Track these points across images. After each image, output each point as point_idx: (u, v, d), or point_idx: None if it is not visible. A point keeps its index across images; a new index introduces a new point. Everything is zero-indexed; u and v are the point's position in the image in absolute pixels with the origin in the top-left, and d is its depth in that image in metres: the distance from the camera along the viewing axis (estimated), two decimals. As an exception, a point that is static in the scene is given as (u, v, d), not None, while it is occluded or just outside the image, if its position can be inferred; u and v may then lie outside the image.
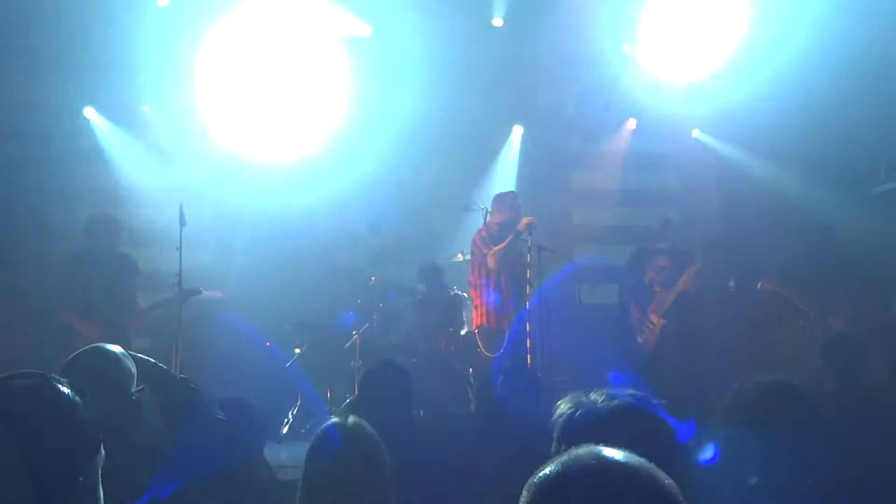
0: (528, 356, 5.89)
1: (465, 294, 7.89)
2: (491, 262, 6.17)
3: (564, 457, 1.24)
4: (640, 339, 6.97)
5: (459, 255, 7.79)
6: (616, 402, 1.78)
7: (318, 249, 8.45)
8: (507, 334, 6.06)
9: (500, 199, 6.43)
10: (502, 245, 6.09)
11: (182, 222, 6.23)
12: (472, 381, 7.06)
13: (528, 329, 5.87)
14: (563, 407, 1.84)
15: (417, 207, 9.36)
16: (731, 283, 8.53)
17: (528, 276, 6.09)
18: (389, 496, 2.12)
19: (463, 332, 7.36)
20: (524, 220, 6.06)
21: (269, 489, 2.91)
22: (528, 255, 6.01)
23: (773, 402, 2.12)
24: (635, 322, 7.04)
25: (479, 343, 6.24)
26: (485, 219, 7.65)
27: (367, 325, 7.54)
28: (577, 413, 1.77)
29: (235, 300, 8.23)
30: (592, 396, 1.79)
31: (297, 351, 7.53)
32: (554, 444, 1.78)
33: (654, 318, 6.90)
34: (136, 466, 2.19)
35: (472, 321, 7.00)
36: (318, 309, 7.57)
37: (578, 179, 9.73)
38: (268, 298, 8.12)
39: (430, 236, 9.45)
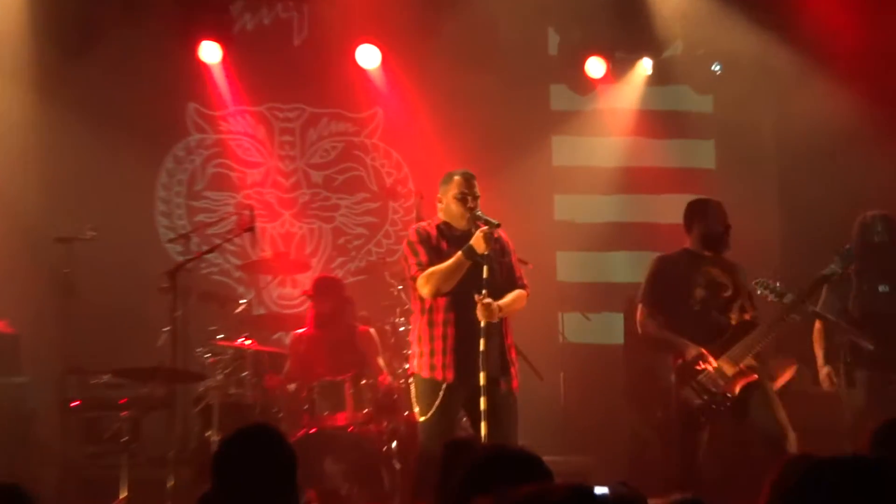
0: (483, 424, 5.84)
1: (387, 326, 8.01)
2: (425, 288, 5.94)
3: None
4: (690, 402, 6.40)
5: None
6: None
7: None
8: (449, 388, 5.96)
9: (448, 183, 6.24)
10: (445, 266, 5.92)
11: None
12: (394, 461, 7.07)
13: (482, 381, 5.82)
14: None
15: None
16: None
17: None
18: None
19: (374, 382, 7.34)
20: (479, 234, 5.89)
21: None
22: (486, 270, 5.93)
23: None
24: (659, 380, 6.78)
25: (413, 399, 6.20)
26: (418, 211, 7.86)
27: (222, 374, 7.53)
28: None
29: (29, 335, 8.46)
30: None
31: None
32: None
33: (727, 366, 6.40)
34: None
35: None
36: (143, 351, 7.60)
37: (563, 152, 9.98)
38: (65, 335, 8.20)
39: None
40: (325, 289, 8.05)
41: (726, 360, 6.39)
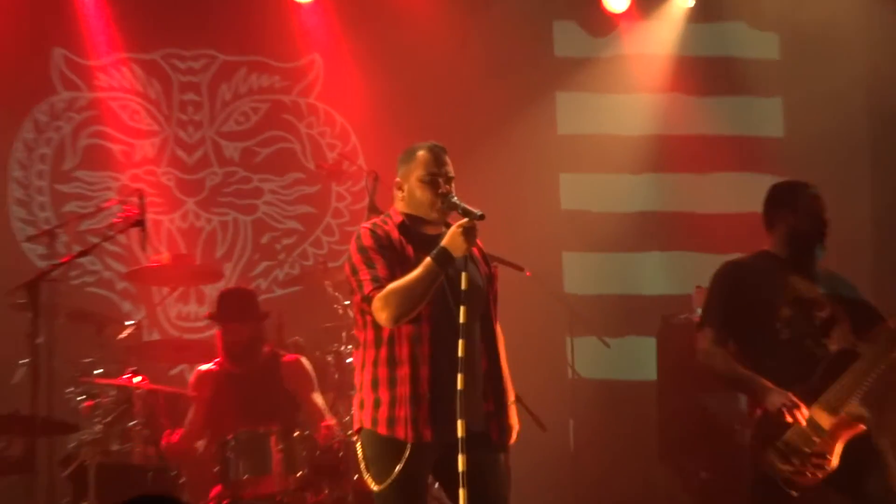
0: (462, 492, 5.38)
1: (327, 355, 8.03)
2: (383, 313, 5.60)
3: None
4: (774, 468, 6.12)
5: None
6: None
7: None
8: (416, 449, 5.53)
9: (410, 161, 5.91)
10: (410, 280, 5.58)
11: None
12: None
13: (460, 432, 5.34)
14: None
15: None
16: None
17: (461, 318, 5.57)
18: None
19: (311, 434, 7.31)
20: (455, 229, 5.52)
21: None
22: (464, 279, 5.55)
23: None
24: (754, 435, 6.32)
25: (362, 463, 5.72)
26: (371, 198, 7.61)
27: (101, 424, 7.30)
28: None
29: None
30: None
31: None
32: None
33: (823, 416, 6.18)
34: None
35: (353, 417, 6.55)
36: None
37: (572, 115, 9.65)
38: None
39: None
40: (238, 307, 7.86)
41: (821, 407, 6.10)
